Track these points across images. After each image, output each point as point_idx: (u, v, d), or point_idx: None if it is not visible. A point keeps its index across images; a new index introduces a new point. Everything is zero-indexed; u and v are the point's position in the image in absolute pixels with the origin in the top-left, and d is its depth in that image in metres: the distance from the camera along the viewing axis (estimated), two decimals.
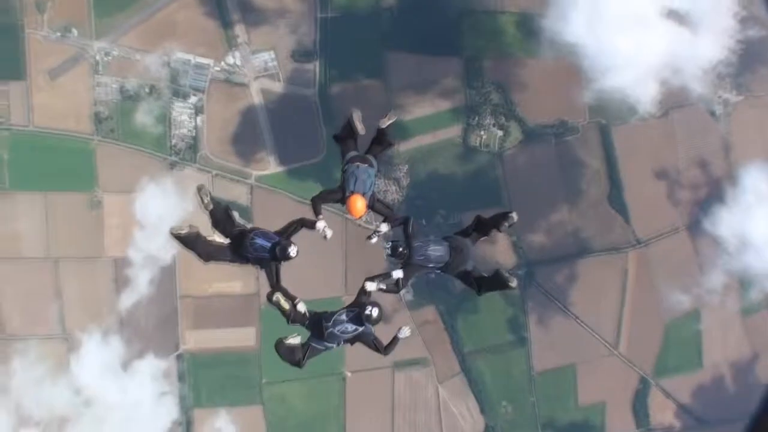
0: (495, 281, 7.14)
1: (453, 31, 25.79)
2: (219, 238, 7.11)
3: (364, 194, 6.90)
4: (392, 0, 25.56)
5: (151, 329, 25.61)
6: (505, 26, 26.15)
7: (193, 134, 24.50)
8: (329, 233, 6.98)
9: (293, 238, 6.93)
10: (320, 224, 6.96)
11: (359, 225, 24.65)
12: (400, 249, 6.89)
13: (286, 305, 6.84)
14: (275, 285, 6.91)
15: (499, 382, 26.60)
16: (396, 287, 7.10)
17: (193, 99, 24.26)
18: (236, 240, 6.94)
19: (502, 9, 25.98)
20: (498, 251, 25.29)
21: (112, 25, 23.90)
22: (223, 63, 24.23)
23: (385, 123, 7.35)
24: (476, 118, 25.87)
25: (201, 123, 24.50)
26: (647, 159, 26.37)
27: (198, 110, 24.44)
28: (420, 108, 25.68)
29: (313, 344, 6.96)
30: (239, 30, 24.50)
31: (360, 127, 7.11)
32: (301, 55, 24.91)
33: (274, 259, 6.79)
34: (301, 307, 6.93)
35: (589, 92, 25.70)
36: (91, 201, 24.36)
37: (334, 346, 6.97)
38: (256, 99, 24.67)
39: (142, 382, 25.73)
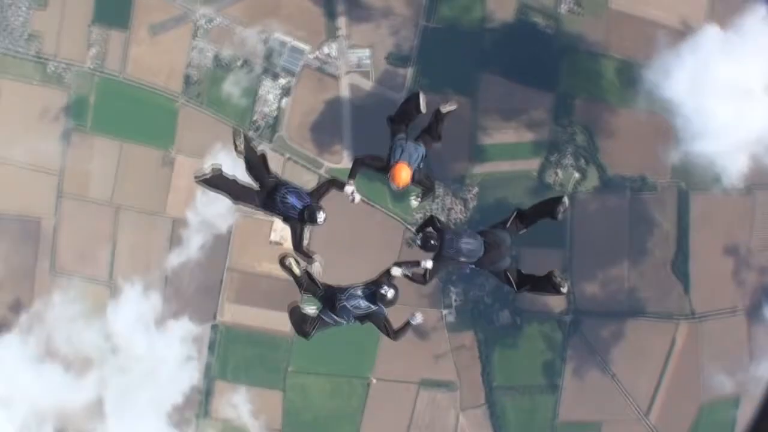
0: (543, 282, 6.94)
1: (551, 64, 25.61)
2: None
3: (409, 165, 6.76)
4: (497, 23, 25.35)
5: (193, 294, 26.07)
6: (605, 70, 25.85)
7: (275, 114, 24.79)
8: (357, 197, 7.01)
9: (324, 201, 7.02)
10: (348, 188, 7.00)
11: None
12: (432, 241, 6.77)
13: (298, 271, 6.88)
14: (298, 246, 6.96)
15: (521, 422, 26.41)
16: (423, 278, 6.97)
17: (282, 80, 24.53)
18: (268, 190, 6.91)
19: (606, 52, 25.65)
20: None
21: None
22: (318, 51, 24.44)
23: (446, 108, 7.19)
24: (556, 156, 25.64)
25: (285, 105, 24.78)
26: (720, 232, 25.81)
27: (285, 92, 24.71)
28: (502, 134, 25.56)
29: (323, 317, 7.00)
30: (341, 22, 24.68)
31: (423, 105, 7.04)
32: (396, 58, 24.99)
33: (301, 220, 6.79)
34: (318, 266, 6.99)
35: (676, 153, 25.32)
36: (164, 159, 24.87)
37: (344, 321, 6.93)
38: (344, 93, 24.85)
39: (171, 342, 26.23)
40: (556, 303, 25.99)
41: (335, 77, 24.99)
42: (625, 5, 25.87)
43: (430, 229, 6.94)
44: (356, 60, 24.95)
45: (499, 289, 25.11)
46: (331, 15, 24.91)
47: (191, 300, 26.08)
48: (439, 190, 25.69)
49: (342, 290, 6.83)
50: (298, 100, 25.02)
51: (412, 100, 7.06)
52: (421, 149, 6.94)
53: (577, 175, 25.88)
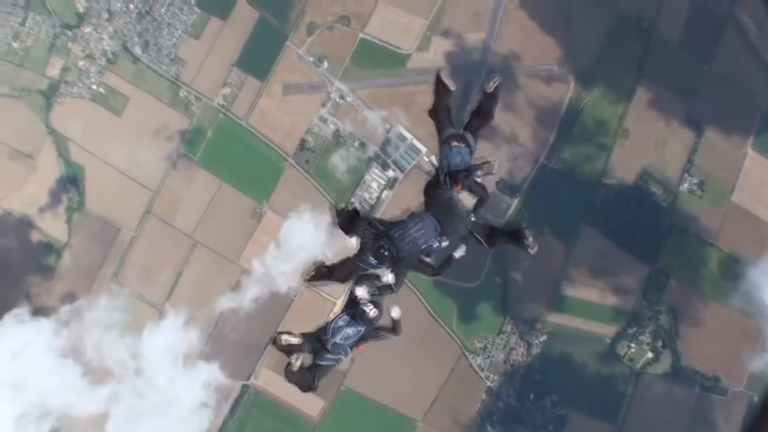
0: (515, 238, 6.68)
1: (656, 237, 25.74)
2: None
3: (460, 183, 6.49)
4: (615, 180, 25.79)
5: (233, 344, 26.54)
6: (709, 258, 25.78)
7: (374, 203, 25.58)
8: (354, 244, 6.51)
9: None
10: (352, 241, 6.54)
11: (472, 366, 24.67)
12: (384, 251, 6.22)
13: (297, 340, 6.66)
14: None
15: None
16: (391, 288, 6.56)
17: (391, 173, 25.39)
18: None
19: (715, 241, 25.68)
20: None
21: (359, 76, 25.61)
22: (434, 156, 25.01)
23: (491, 87, 7.04)
24: (635, 329, 25.51)
25: (385, 197, 25.55)
26: None
27: (390, 184, 25.52)
28: (587, 291, 25.59)
29: (321, 362, 6.76)
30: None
31: (450, 82, 6.91)
32: (506, 185, 25.57)
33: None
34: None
35: (759, 362, 24.70)
36: (255, 210, 25.88)
37: (342, 356, 6.76)
38: None
39: (193, 383, 26.45)
40: None
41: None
42: (747, 202, 25.92)
43: (372, 238, 6.33)
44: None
45: None
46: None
47: (230, 350, 26.56)
48: (507, 327, 25.67)
49: (324, 330, 6.72)
50: (399, 196, 25.76)
51: (437, 82, 6.99)
52: (467, 149, 6.79)
53: (650, 355, 25.59)
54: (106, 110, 26.51)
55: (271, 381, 25.97)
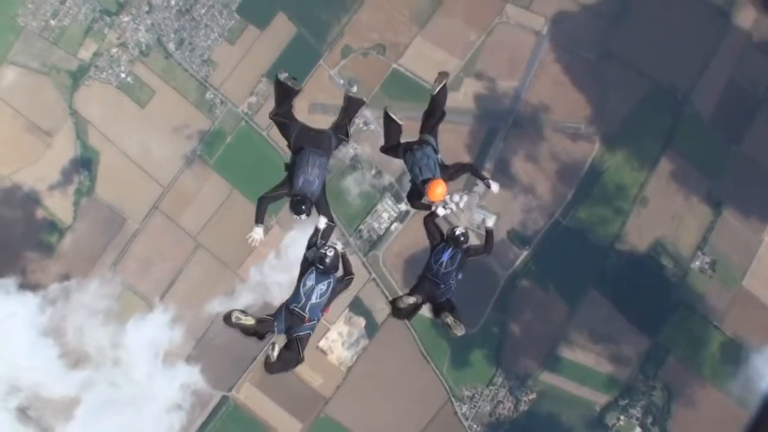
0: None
1: (661, 311, 25.68)
2: None
3: (434, 177, 6.80)
4: (627, 247, 25.84)
5: (220, 352, 26.47)
6: (711, 340, 25.74)
7: (381, 234, 25.76)
8: (258, 239, 6.85)
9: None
10: (256, 233, 6.79)
11: (456, 414, 24.58)
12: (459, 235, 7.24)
13: (250, 320, 6.42)
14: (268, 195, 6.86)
15: None
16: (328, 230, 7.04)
17: (402, 206, 25.61)
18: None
19: (720, 324, 25.63)
20: None
21: (386, 104, 25.77)
22: (450, 198, 25.25)
23: (437, 88, 7.15)
24: (626, 401, 25.36)
25: (394, 229, 25.72)
26: None
27: (400, 217, 25.74)
28: (584, 355, 25.54)
29: (299, 333, 6.63)
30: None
31: (398, 119, 7.27)
32: (517, 236, 25.69)
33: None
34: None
35: None
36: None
37: (316, 319, 6.70)
38: None
39: (170, 382, 26.49)
40: None
41: (452, 226, 25.71)
42: (758, 288, 25.88)
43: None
44: (480, 220, 25.74)
45: None
46: (479, 163, 25.97)
47: (215, 358, 26.54)
48: (498, 379, 25.62)
49: (295, 298, 6.65)
50: (409, 230, 25.91)
51: (386, 118, 7.35)
52: (429, 147, 7.03)
53: (638, 430, 25.35)
54: (131, 100, 26.91)
55: (252, 397, 25.91)
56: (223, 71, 26.62)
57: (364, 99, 7.43)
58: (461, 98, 26.30)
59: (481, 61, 26.48)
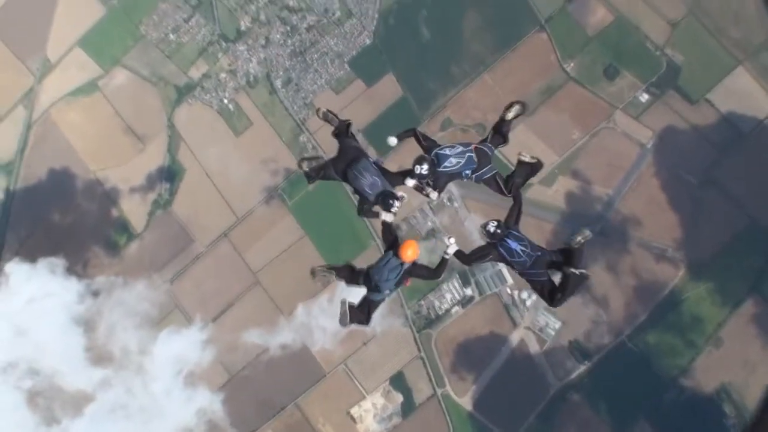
0: (522, 169, 8.07)
1: None
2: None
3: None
4: (691, 384, 25.47)
5: (248, 392, 26.92)
6: None
7: (441, 314, 26.14)
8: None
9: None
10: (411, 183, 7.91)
11: None
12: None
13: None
14: (361, 210, 7.98)
15: None
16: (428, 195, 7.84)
17: (468, 291, 25.88)
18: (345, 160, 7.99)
19: None
20: None
21: (474, 185, 26.18)
22: (517, 291, 25.58)
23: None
24: None
25: (455, 312, 26.03)
26: None
27: (464, 302, 26.07)
28: None
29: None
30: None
31: (388, 216, 7.95)
32: (578, 348, 25.56)
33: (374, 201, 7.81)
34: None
35: None
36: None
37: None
38: (512, 341, 25.69)
39: (186, 404, 26.52)
40: None
41: (514, 323, 25.92)
42: None
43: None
44: (543, 323, 25.78)
45: None
46: None
47: (243, 395, 26.96)
48: None
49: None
50: (469, 316, 26.10)
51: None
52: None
53: None
54: (227, 126, 28.18)
55: None
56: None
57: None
58: (551, 193, 26.55)
59: (580, 161, 26.70)
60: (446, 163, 7.82)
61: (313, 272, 8.08)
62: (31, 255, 26.61)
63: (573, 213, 26.10)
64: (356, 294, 8.40)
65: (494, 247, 7.83)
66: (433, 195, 7.90)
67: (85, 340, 26.33)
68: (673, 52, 26.41)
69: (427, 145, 8.07)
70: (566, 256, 7.89)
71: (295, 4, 27.72)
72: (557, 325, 25.40)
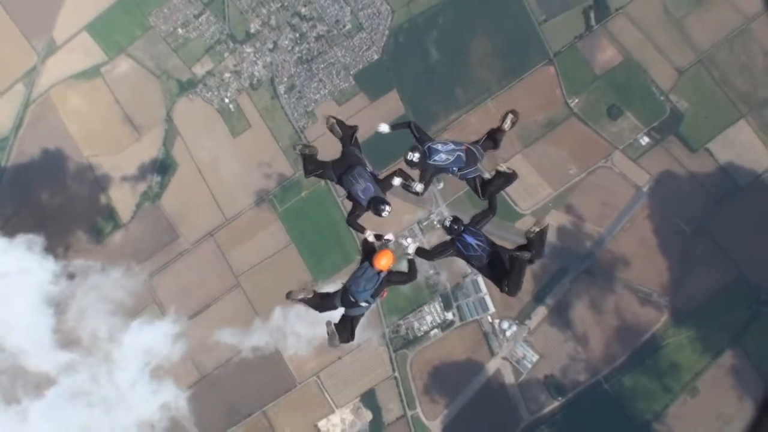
0: (497, 180, 8.27)
1: None
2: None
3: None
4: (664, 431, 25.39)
5: (217, 396, 26.78)
6: None
7: (419, 336, 26.23)
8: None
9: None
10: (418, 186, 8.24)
11: None
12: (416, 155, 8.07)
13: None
14: (351, 219, 8.21)
15: None
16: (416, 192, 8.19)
17: (449, 315, 25.97)
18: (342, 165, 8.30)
19: None
20: None
21: (466, 210, 26.40)
22: (498, 321, 25.72)
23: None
24: None
25: (433, 336, 26.25)
26: None
27: (443, 326, 26.23)
28: None
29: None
30: (538, 314, 25.90)
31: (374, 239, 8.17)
32: (553, 383, 25.65)
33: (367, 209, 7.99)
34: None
35: None
36: (307, 284, 26.53)
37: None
38: (488, 369, 25.74)
39: (151, 397, 26.08)
40: None
41: (492, 352, 25.99)
42: None
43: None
44: (521, 355, 25.86)
45: None
46: (536, 301, 26.22)
47: (211, 398, 26.83)
48: None
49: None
50: (448, 340, 26.16)
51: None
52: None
53: None
54: (226, 126, 28.28)
55: None
56: (321, 128, 27.69)
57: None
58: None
59: (574, 197, 26.89)
60: (436, 158, 8.16)
61: (289, 295, 8.22)
62: (12, 232, 26.49)
63: (562, 248, 26.23)
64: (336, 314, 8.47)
65: (453, 243, 8.04)
66: (419, 187, 8.26)
67: (55, 322, 25.74)
68: (677, 98, 26.70)
69: (421, 137, 8.42)
70: (522, 247, 8.05)
71: (307, 13, 27.92)
72: (535, 358, 25.49)
